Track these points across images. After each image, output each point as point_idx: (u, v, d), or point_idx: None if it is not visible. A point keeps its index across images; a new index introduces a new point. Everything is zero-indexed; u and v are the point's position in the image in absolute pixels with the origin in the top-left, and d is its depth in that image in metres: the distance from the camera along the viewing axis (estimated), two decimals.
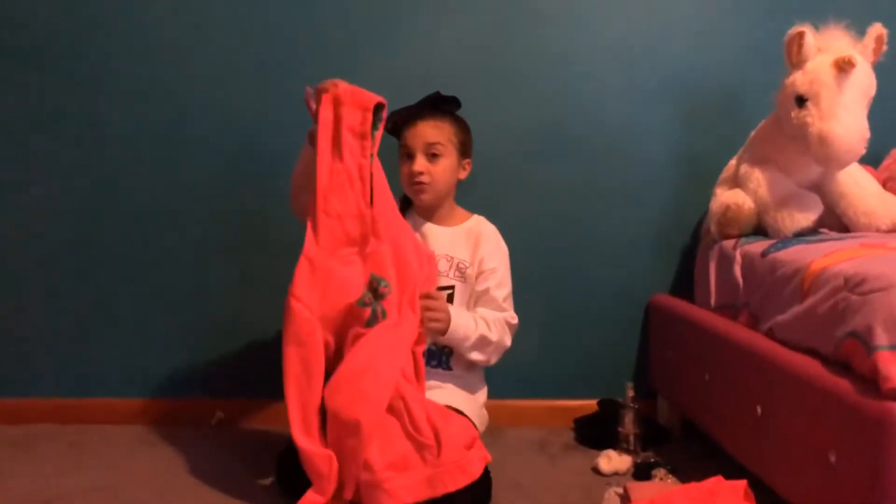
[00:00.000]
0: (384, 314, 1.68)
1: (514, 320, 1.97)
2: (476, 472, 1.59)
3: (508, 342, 1.95)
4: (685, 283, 2.26)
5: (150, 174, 2.34)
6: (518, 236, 2.10)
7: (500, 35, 2.30)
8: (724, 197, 1.99)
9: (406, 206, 2.05)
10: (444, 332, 1.80)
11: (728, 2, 2.30)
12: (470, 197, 2.09)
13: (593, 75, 2.31)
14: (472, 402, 1.91)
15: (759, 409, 1.53)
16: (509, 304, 1.98)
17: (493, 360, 1.94)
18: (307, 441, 1.60)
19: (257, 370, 2.34)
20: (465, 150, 1.99)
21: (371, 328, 1.67)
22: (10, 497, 1.78)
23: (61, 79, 2.31)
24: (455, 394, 1.88)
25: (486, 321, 1.89)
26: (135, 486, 1.84)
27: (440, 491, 1.54)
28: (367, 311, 1.68)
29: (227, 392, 2.36)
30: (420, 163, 1.91)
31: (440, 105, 1.98)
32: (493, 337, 1.89)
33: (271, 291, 2.29)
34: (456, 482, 1.56)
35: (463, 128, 1.99)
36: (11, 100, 2.33)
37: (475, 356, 1.89)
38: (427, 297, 1.77)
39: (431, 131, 1.92)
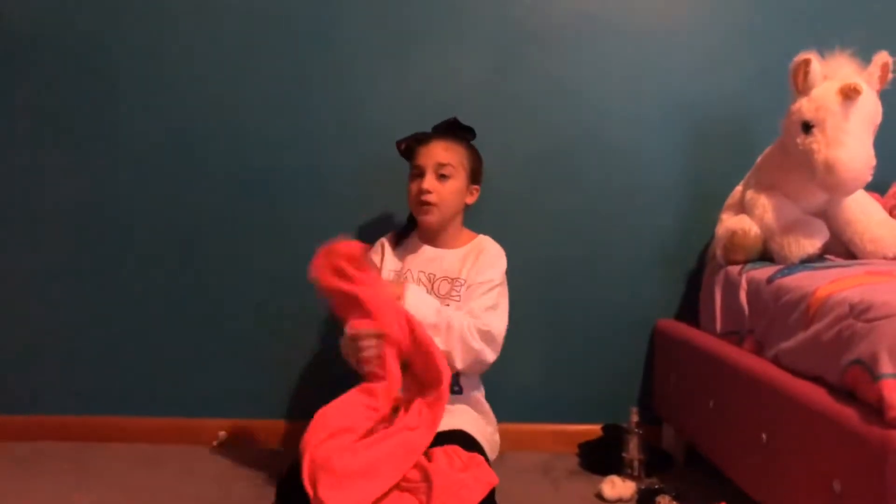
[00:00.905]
0: None
1: (487, 328, 1.87)
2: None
3: (475, 344, 1.84)
4: (691, 308, 2.26)
5: (159, 189, 2.36)
6: (522, 260, 2.10)
7: (505, 62, 2.32)
8: (730, 223, 1.99)
9: (409, 228, 2.06)
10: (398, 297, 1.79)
11: (735, 28, 2.31)
12: (476, 220, 2.09)
13: (599, 100, 2.32)
14: (483, 427, 1.90)
15: (764, 437, 1.52)
16: (488, 314, 1.90)
17: (459, 359, 1.84)
18: None
19: (261, 390, 2.34)
20: (475, 176, 2.01)
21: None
22: None
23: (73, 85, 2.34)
24: (465, 417, 1.87)
25: (452, 312, 1.86)
26: None
27: None
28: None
29: (230, 412, 2.36)
30: (429, 181, 1.92)
31: (456, 130, 2.00)
32: (455, 324, 1.82)
33: (279, 314, 2.34)
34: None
35: (475, 155, 2.02)
36: (25, 111, 2.36)
37: (438, 342, 1.79)
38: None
39: (443, 152, 1.94)
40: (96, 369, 2.38)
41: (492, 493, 1.61)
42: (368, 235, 2.23)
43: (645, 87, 2.31)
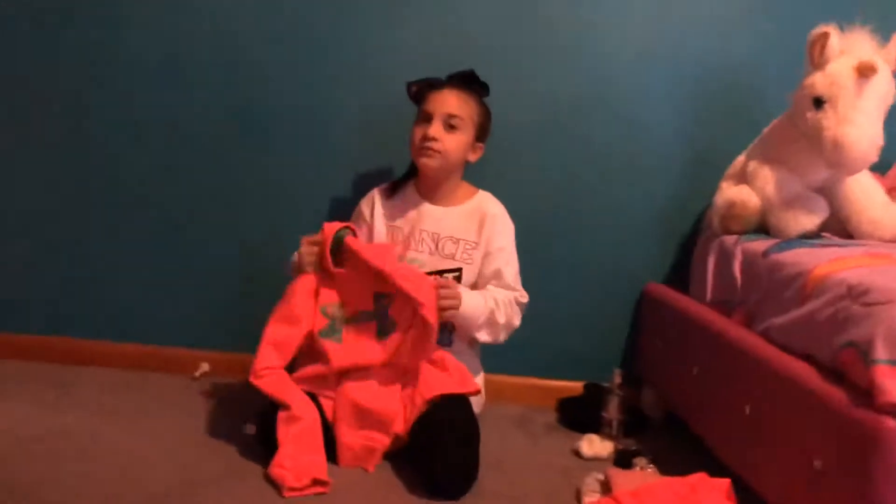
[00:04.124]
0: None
1: (525, 299, 1.97)
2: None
3: (517, 322, 1.96)
4: (681, 274, 2.26)
5: (152, 122, 2.32)
6: (516, 215, 2.07)
7: (510, 25, 2.25)
8: (730, 192, 1.97)
9: (408, 177, 2.02)
10: (455, 308, 1.80)
11: None
12: (476, 175, 2.06)
13: (605, 60, 2.27)
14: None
15: (747, 409, 1.53)
16: (518, 283, 1.98)
17: (502, 339, 1.96)
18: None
19: (246, 324, 2.32)
20: (482, 133, 1.97)
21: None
22: None
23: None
24: None
25: (496, 301, 1.90)
26: (114, 429, 1.84)
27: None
28: None
29: (213, 344, 2.35)
30: (436, 128, 1.88)
31: (471, 83, 1.95)
32: (501, 318, 1.90)
33: (265, 244, 2.32)
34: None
35: (486, 113, 1.97)
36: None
37: (483, 336, 1.91)
38: (440, 283, 1.78)
39: (456, 102, 1.90)
40: (81, 291, 2.37)
41: (469, 402, 1.76)
42: (366, 183, 2.22)
43: (652, 48, 2.26)
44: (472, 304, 1.84)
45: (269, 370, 1.75)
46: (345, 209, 2.17)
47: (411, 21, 2.25)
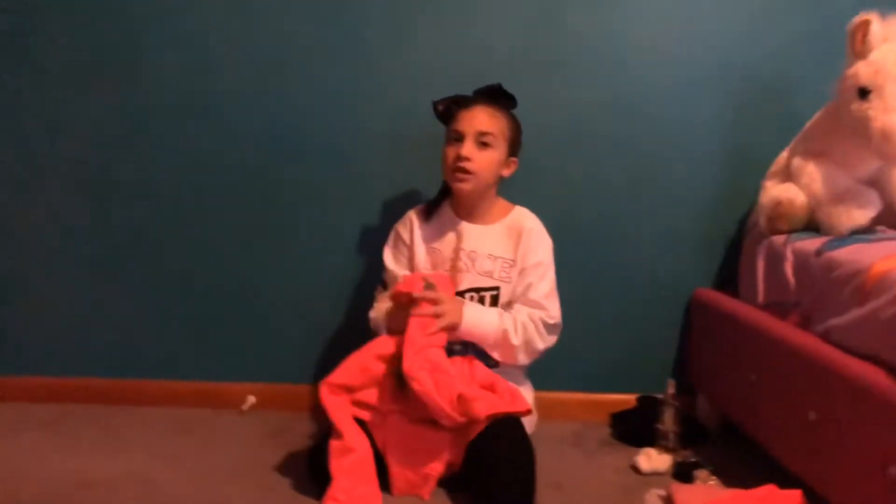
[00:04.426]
0: None
1: (553, 320, 1.89)
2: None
3: (541, 345, 1.88)
4: (729, 277, 2.20)
5: (184, 155, 2.31)
6: (558, 226, 2.03)
7: (534, 37, 2.22)
8: (776, 191, 1.92)
9: (443, 197, 1.99)
10: (455, 326, 1.77)
11: None
12: (511, 188, 2.02)
13: (637, 61, 2.22)
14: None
15: (811, 415, 1.47)
16: (551, 302, 1.91)
17: (522, 361, 1.89)
18: None
19: (291, 354, 2.33)
20: (514, 147, 1.93)
21: None
22: (41, 478, 1.78)
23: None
24: None
25: (514, 322, 1.84)
26: (168, 472, 1.84)
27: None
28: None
29: (259, 376, 2.34)
30: (468, 148, 1.84)
31: (500, 97, 1.92)
32: (516, 340, 1.83)
33: (309, 277, 2.31)
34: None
35: (516, 126, 1.93)
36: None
37: (496, 355, 1.85)
38: (430, 294, 1.75)
39: (487, 119, 1.86)
40: (124, 332, 2.36)
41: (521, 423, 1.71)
42: (396, 204, 2.21)
43: (683, 46, 2.21)
44: (479, 321, 1.81)
45: (339, 390, 1.72)
46: (378, 231, 2.17)
47: (432, 37, 2.23)
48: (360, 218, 2.29)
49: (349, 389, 1.73)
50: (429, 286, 1.76)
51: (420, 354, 1.66)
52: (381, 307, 1.92)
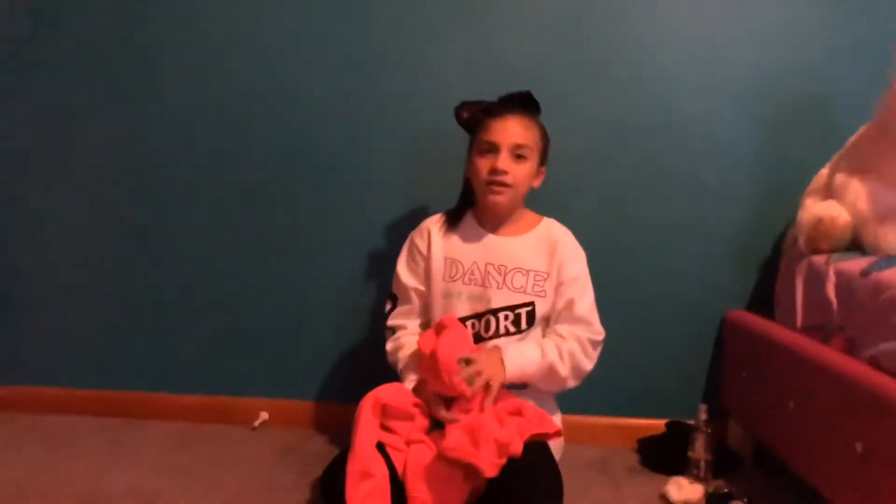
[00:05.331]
0: None
1: (600, 336, 1.81)
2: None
3: (589, 366, 1.79)
4: (762, 298, 2.11)
5: (198, 166, 2.28)
6: (586, 243, 1.93)
7: (574, 30, 2.16)
8: (817, 209, 1.83)
9: (464, 207, 1.90)
10: (501, 385, 1.66)
11: None
12: (537, 202, 1.94)
13: (672, 73, 2.15)
14: None
15: (859, 447, 1.38)
16: (594, 315, 1.82)
17: (571, 385, 1.80)
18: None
19: (304, 371, 2.27)
20: (544, 157, 1.85)
21: None
22: (46, 493, 1.73)
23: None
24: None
25: (559, 352, 1.74)
26: (175, 489, 1.77)
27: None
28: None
29: (271, 392, 2.29)
30: (505, 161, 1.75)
31: (531, 106, 1.83)
32: (564, 370, 1.74)
33: (321, 293, 2.25)
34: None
35: (546, 136, 1.85)
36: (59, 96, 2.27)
37: (543, 388, 1.77)
38: (466, 361, 1.61)
39: (522, 131, 1.77)
40: (135, 345, 2.32)
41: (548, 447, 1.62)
42: (413, 213, 2.17)
43: (719, 58, 2.14)
44: (523, 366, 1.70)
45: (379, 410, 1.61)
46: (391, 247, 2.12)
47: (454, 46, 2.19)
48: (372, 234, 2.24)
49: (386, 414, 1.64)
50: (464, 361, 1.62)
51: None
52: (404, 349, 1.82)
